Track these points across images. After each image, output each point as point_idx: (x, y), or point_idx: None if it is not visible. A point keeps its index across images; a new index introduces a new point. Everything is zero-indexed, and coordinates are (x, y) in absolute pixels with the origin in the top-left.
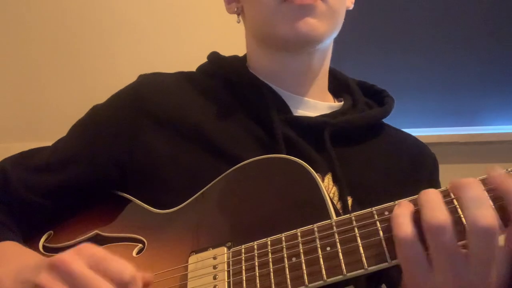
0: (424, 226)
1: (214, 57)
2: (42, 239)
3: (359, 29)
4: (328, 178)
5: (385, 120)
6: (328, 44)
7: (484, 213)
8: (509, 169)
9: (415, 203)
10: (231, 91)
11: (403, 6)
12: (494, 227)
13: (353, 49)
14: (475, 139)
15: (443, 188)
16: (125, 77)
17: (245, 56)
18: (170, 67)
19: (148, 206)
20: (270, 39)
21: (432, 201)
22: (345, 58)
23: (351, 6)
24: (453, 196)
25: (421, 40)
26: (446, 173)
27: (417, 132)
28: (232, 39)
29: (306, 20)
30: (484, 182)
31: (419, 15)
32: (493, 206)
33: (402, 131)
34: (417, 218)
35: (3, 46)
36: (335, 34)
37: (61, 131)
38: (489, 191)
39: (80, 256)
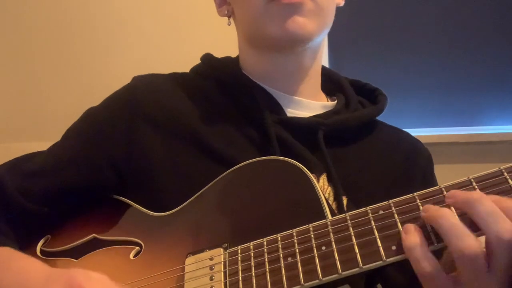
0: (456, 256)
1: (207, 58)
2: (40, 243)
3: (359, 29)
4: (323, 179)
5: (384, 120)
6: (318, 42)
7: (506, 226)
8: (501, 168)
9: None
10: (224, 93)
11: (404, 6)
12: None
13: (353, 49)
14: (475, 139)
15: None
16: (125, 77)
17: (238, 57)
18: (170, 67)
19: (144, 209)
20: (260, 40)
21: (456, 227)
22: (345, 58)
23: (341, 3)
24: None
25: (421, 40)
26: (447, 173)
27: (417, 132)
28: (228, 40)
29: (294, 19)
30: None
31: (419, 15)
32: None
33: (396, 128)
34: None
35: (3, 46)
36: (325, 32)
37: (61, 131)
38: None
39: None
